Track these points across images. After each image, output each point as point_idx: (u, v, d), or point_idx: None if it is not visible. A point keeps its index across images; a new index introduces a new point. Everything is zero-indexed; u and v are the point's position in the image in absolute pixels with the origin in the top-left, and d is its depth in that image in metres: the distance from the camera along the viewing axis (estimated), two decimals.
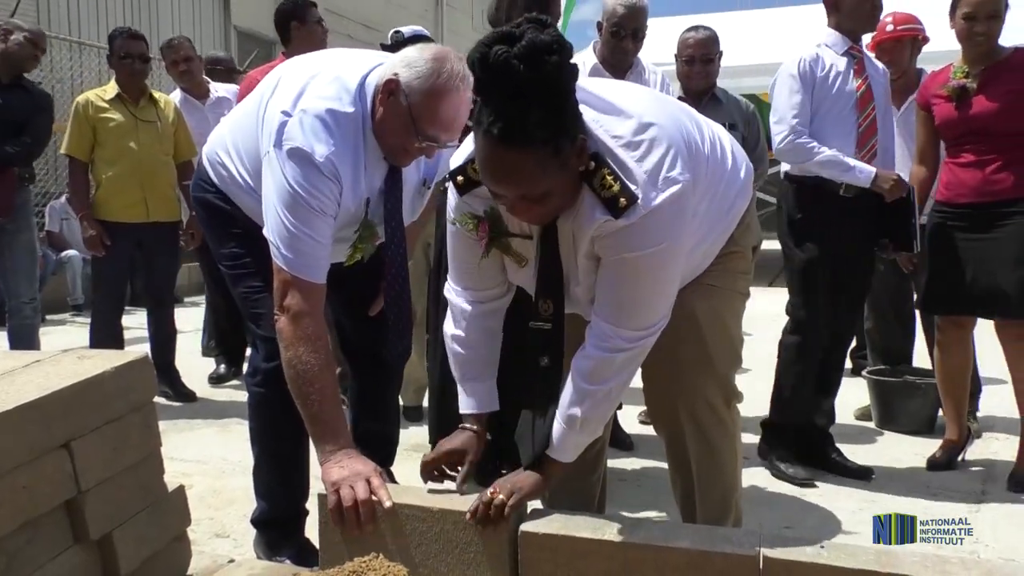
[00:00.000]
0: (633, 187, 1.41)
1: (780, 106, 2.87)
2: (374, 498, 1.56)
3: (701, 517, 1.78)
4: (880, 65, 3.03)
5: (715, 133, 1.68)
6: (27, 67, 3.81)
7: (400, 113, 1.78)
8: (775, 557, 1.36)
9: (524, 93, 1.29)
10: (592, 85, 1.53)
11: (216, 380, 4.35)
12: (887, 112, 2.96)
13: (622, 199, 1.40)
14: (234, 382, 4.31)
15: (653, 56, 3.47)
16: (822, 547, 1.38)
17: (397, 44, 3.12)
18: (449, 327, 1.76)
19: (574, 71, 1.34)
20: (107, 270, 3.91)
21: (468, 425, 1.73)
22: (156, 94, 4.02)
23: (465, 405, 1.75)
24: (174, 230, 4.01)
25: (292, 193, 1.73)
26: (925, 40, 3.65)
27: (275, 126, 1.77)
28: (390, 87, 1.78)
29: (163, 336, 4.05)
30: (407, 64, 1.78)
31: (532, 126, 1.31)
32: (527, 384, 1.66)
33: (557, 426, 1.58)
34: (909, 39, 3.58)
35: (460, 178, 1.57)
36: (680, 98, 3.33)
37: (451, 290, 1.76)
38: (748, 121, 3.34)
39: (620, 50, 3.08)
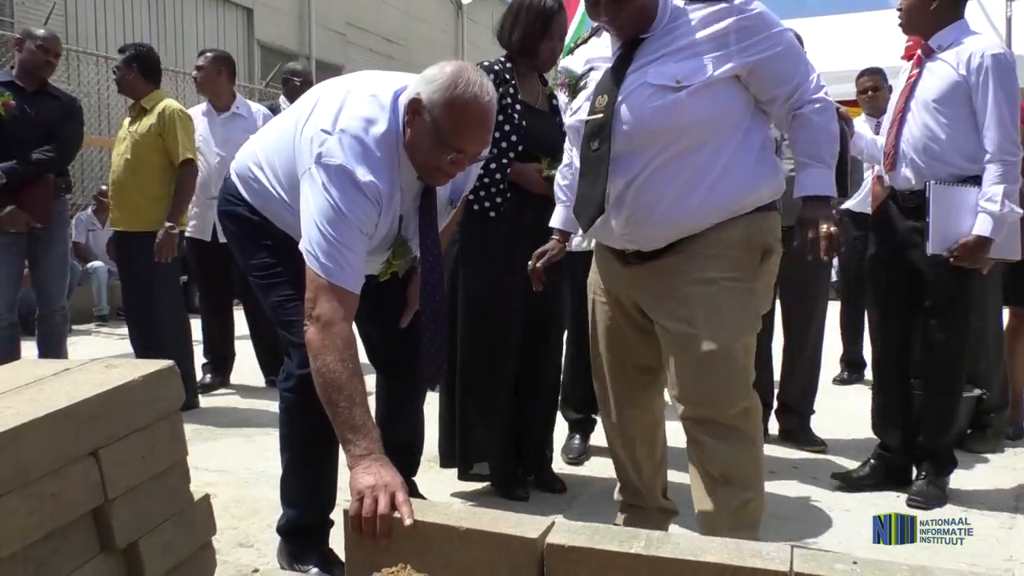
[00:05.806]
0: None
1: None
2: (396, 514, 1.52)
3: (724, 524, 1.83)
4: None
5: None
6: (43, 73, 3.77)
7: (426, 130, 1.80)
8: (807, 572, 1.33)
9: None
10: None
11: (203, 389, 4.31)
12: None
13: None
14: (240, 390, 4.33)
15: None
16: (855, 563, 1.35)
17: None
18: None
19: None
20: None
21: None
22: (148, 104, 3.86)
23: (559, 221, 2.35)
24: (150, 239, 3.75)
25: (335, 208, 1.75)
26: None
27: (316, 144, 1.80)
28: (414, 107, 1.81)
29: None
30: (427, 81, 1.81)
31: None
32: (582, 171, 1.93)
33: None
34: None
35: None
36: None
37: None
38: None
39: None
